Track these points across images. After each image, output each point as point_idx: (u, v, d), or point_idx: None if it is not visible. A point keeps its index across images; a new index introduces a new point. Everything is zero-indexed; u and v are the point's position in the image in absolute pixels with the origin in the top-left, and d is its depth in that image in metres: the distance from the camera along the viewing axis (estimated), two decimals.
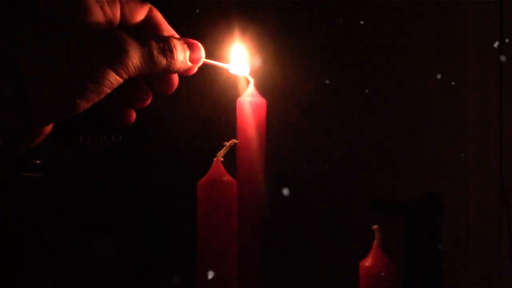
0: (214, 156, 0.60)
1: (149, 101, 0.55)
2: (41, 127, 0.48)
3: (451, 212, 0.99)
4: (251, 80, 0.62)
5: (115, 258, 1.19)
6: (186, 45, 0.52)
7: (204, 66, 0.56)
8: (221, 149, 0.60)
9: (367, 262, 0.69)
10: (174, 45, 0.51)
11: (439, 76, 1.27)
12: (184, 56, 0.52)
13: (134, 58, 0.47)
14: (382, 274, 0.68)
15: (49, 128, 0.49)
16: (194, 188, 0.59)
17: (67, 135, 1.66)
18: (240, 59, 0.60)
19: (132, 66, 0.47)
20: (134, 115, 0.55)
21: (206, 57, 0.55)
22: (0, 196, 1.24)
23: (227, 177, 0.59)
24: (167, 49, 0.50)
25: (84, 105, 0.47)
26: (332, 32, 1.35)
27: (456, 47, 1.24)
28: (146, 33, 0.52)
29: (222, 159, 0.60)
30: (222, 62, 0.60)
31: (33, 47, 0.45)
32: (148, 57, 0.49)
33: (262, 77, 0.66)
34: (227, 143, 0.60)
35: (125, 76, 0.47)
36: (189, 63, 0.53)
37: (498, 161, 1.20)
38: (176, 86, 0.55)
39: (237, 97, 0.63)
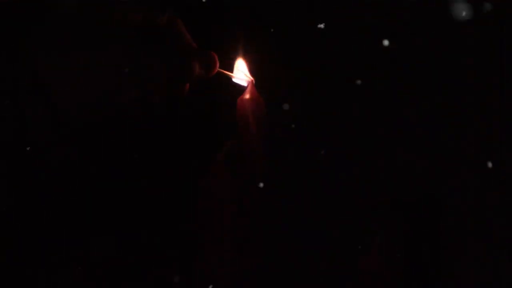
0: (214, 156, 0.60)
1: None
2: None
3: (451, 212, 0.99)
4: (251, 80, 0.62)
5: (115, 258, 1.19)
6: (205, 58, 0.55)
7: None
8: (221, 149, 0.60)
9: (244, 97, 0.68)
10: (194, 59, 0.54)
11: (438, 76, 1.27)
12: (200, 68, 0.55)
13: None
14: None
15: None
16: (194, 188, 0.59)
17: (67, 136, 1.66)
18: (242, 68, 0.63)
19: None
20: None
21: None
22: (0, 196, 1.24)
23: (228, 175, 0.59)
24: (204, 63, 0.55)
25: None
26: (333, 32, 1.35)
27: (456, 46, 1.24)
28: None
29: (222, 157, 0.60)
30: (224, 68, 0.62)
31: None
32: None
33: (262, 77, 0.66)
34: (227, 141, 0.60)
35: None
36: (204, 73, 0.56)
37: (498, 160, 1.20)
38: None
39: (237, 97, 0.63)
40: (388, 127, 1.31)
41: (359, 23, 1.35)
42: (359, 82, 1.32)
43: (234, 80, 0.62)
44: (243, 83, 0.63)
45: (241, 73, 0.63)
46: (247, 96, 0.62)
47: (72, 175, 1.48)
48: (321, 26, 1.22)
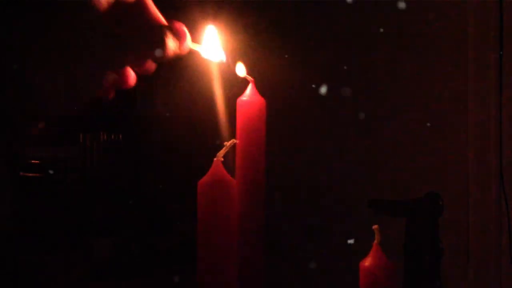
0: (214, 156, 0.60)
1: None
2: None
3: (451, 212, 0.99)
4: (251, 80, 0.62)
5: (115, 258, 1.19)
6: (176, 32, 0.53)
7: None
8: (221, 149, 0.60)
9: (367, 262, 0.69)
10: (165, 34, 0.52)
11: (439, 77, 1.27)
12: (173, 43, 0.52)
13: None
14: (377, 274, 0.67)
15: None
16: (194, 188, 0.59)
17: (67, 135, 1.66)
18: (213, 42, 0.60)
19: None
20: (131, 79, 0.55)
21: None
22: (0, 196, 1.24)
23: (227, 177, 0.59)
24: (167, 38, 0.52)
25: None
26: (334, 33, 1.35)
27: (457, 48, 1.24)
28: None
29: (222, 159, 0.60)
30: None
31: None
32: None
33: (262, 77, 0.66)
34: (227, 143, 0.60)
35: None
36: (177, 48, 0.53)
37: (498, 161, 1.20)
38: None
39: (237, 97, 0.63)
40: (388, 127, 1.31)
41: (360, 25, 1.35)
42: (359, 83, 1.32)
43: (205, 55, 0.58)
44: (217, 58, 0.59)
45: (215, 47, 0.60)
46: (246, 96, 0.62)
47: (71, 175, 1.48)
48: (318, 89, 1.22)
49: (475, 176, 1.23)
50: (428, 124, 1.25)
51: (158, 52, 0.51)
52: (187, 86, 1.20)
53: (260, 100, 0.63)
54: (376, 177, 1.30)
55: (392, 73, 1.31)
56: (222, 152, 0.60)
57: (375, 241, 0.69)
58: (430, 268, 0.86)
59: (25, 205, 1.37)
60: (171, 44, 0.52)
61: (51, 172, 1.57)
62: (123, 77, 0.53)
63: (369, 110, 1.32)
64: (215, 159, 0.59)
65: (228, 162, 0.61)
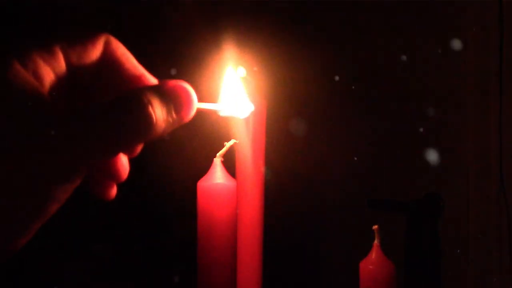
0: (214, 156, 0.60)
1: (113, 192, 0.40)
2: None
3: (451, 212, 0.99)
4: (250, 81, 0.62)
5: (115, 258, 1.19)
6: (168, 94, 0.35)
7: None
8: (221, 149, 0.60)
9: (367, 262, 0.69)
10: (148, 101, 0.33)
11: (439, 77, 1.27)
12: (167, 112, 0.34)
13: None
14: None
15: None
16: (194, 188, 0.59)
17: None
18: (237, 93, 0.45)
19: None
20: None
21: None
22: None
23: (227, 177, 0.59)
24: (138, 113, 0.33)
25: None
26: (334, 33, 1.35)
27: (456, 49, 1.24)
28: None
29: (222, 159, 0.60)
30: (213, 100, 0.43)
31: None
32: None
33: (262, 77, 0.66)
34: (227, 143, 0.60)
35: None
36: (175, 118, 0.35)
37: (498, 161, 1.20)
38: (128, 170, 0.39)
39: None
40: (388, 127, 1.31)
41: (360, 24, 1.35)
42: (359, 82, 1.32)
43: (224, 113, 0.42)
44: (244, 113, 0.43)
45: (239, 100, 0.43)
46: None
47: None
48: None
49: (475, 176, 1.23)
50: (421, 130, 1.25)
51: (140, 133, 0.33)
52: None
53: (259, 101, 0.63)
54: (376, 177, 1.30)
55: (393, 73, 1.31)
56: (222, 152, 0.60)
57: (375, 241, 0.69)
58: (430, 268, 0.86)
59: None
60: (161, 115, 0.34)
61: None
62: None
63: (369, 110, 1.32)
64: (215, 159, 0.59)
65: (228, 162, 0.61)
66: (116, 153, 0.36)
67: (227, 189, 0.58)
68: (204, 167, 0.59)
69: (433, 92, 1.27)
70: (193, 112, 0.36)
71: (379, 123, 1.29)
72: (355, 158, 1.26)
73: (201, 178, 0.59)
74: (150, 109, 0.33)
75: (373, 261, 0.68)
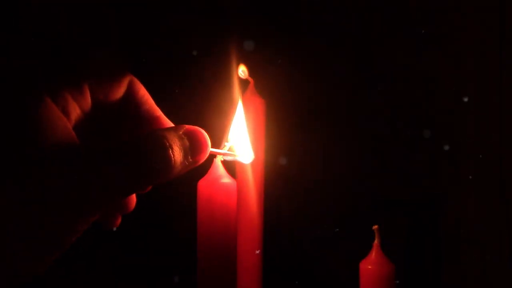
0: (215, 156, 0.60)
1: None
2: None
3: (451, 212, 0.99)
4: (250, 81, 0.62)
5: (115, 258, 1.19)
6: (185, 138, 0.37)
7: None
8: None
9: (367, 262, 0.69)
10: (169, 145, 0.35)
11: (439, 77, 1.27)
12: (184, 156, 0.36)
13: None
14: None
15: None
16: (194, 188, 0.59)
17: None
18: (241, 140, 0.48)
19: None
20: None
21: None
22: None
23: (227, 177, 0.59)
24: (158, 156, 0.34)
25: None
26: (334, 33, 1.35)
27: (456, 48, 1.24)
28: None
29: (222, 159, 0.60)
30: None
31: None
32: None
33: (262, 77, 0.66)
34: (227, 143, 0.60)
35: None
36: (190, 161, 0.37)
37: (498, 161, 1.20)
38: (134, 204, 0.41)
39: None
40: (388, 127, 1.31)
41: (361, 24, 1.35)
42: (360, 82, 1.32)
43: (231, 158, 0.46)
44: (248, 159, 0.48)
45: (241, 145, 0.47)
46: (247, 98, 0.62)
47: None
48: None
49: (475, 176, 1.23)
50: (421, 130, 1.25)
51: (159, 175, 0.34)
52: (187, 86, 1.20)
53: (259, 100, 0.63)
54: (376, 177, 1.30)
55: (393, 74, 1.31)
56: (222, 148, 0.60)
57: (375, 241, 0.69)
58: (430, 268, 0.86)
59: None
60: (178, 158, 0.35)
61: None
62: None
63: (369, 110, 1.32)
64: (215, 159, 0.59)
65: (228, 162, 0.61)
66: (135, 192, 0.37)
67: (227, 189, 0.58)
68: (204, 167, 0.59)
69: (433, 92, 1.27)
70: (206, 156, 0.39)
71: (379, 123, 1.29)
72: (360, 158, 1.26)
73: (201, 178, 0.59)
74: (170, 152, 0.35)
75: (373, 261, 0.68)
